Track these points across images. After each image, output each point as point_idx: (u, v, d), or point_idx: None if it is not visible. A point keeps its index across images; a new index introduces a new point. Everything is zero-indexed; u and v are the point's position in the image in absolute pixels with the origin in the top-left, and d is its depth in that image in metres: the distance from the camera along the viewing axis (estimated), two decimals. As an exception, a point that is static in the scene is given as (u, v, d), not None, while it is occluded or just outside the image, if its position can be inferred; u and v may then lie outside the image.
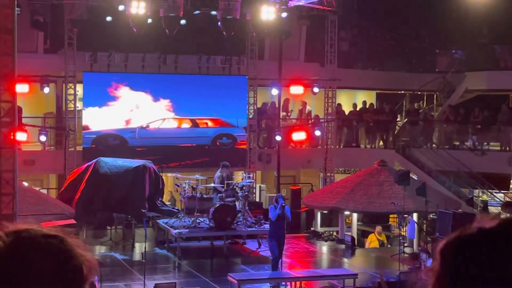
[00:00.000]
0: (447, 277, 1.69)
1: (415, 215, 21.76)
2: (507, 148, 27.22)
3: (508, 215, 22.37)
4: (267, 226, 17.54)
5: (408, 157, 27.82)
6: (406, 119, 29.51)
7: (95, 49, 25.06)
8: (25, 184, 22.20)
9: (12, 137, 14.01)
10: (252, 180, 24.72)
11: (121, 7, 22.55)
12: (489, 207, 24.46)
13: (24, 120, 23.48)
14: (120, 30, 23.59)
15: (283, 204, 16.98)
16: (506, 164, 26.33)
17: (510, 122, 27.28)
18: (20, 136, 21.06)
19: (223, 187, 21.19)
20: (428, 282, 1.73)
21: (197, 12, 23.29)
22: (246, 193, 21.42)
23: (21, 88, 22.95)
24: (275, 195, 17.68)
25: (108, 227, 22.46)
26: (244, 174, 23.86)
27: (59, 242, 1.78)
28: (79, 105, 25.17)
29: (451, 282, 1.68)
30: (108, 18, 23.39)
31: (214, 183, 21.37)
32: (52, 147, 25.81)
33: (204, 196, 21.16)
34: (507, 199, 26.41)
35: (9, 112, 13.95)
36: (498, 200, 26.72)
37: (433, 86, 29.64)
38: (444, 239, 1.76)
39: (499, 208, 24.63)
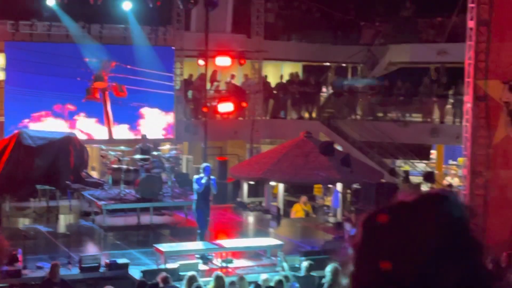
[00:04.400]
0: (366, 248, 1.73)
1: (339, 186, 22.13)
2: (429, 120, 27.89)
3: (428, 184, 23.01)
4: (193, 197, 17.55)
5: (333, 128, 28.21)
6: (331, 91, 29.87)
7: (17, 18, 24.42)
8: None
9: None
10: (178, 152, 24.69)
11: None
12: (410, 177, 25.05)
13: None
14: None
15: (209, 175, 17.02)
16: (427, 135, 26.99)
17: (431, 94, 27.93)
18: None
19: (149, 158, 21.10)
20: (350, 252, 1.76)
21: (122, -19, 22.94)
22: (173, 164, 21.37)
23: None
24: (202, 165, 17.68)
25: (32, 199, 22.09)
26: (171, 146, 23.78)
27: None
28: (1, 75, 24.58)
29: (369, 253, 1.72)
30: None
31: (135, 154, 21.32)
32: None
33: (130, 167, 21.03)
34: (428, 169, 27.13)
35: None
36: (419, 170, 27.41)
37: (358, 58, 30.03)
38: (367, 211, 1.79)
39: (421, 178, 25.27)
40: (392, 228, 1.71)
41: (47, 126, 24.33)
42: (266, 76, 29.19)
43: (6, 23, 24.33)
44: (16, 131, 22.33)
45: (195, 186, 17.06)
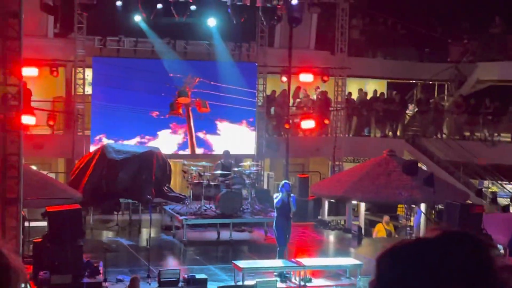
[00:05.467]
0: (378, 284, 1.66)
1: (422, 206, 21.64)
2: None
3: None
4: (273, 214, 17.47)
5: (417, 147, 27.66)
6: (417, 109, 29.34)
7: (104, 34, 25.02)
8: (33, 168, 22.22)
9: (18, 120, 13.97)
10: (259, 168, 24.67)
11: (131, -8, 22.47)
12: (498, 198, 24.29)
13: (33, 104, 23.47)
14: (130, 15, 23.62)
15: (289, 192, 16.89)
16: (516, 156, 26.14)
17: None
18: (28, 119, 21.07)
19: (229, 174, 21.14)
20: None
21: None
22: (253, 180, 21.34)
23: (31, 72, 23.02)
24: (281, 182, 17.58)
25: (115, 213, 22.44)
26: (252, 162, 23.78)
27: None
28: (89, 89, 25.17)
29: None
30: (118, 3, 23.34)
31: (216, 170, 21.40)
32: (61, 131, 25.80)
33: (211, 183, 21.11)
34: (517, 191, 26.25)
35: (16, 96, 13.90)
36: (507, 191, 26.55)
37: (445, 75, 29.42)
38: (383, 248, 1.72)
39: (509, 199, 24.48)
40: (409, 266, 1.63)
41: (133, 140, 24.75)
42: (350, 93, 28.91)
43: (94, 39, 24.94)
44: (101, 145, 22.76)
45: (274, 201, 17.00)
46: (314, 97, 28.34)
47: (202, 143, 25.87)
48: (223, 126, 26.10)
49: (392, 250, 1.67)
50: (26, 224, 17.31)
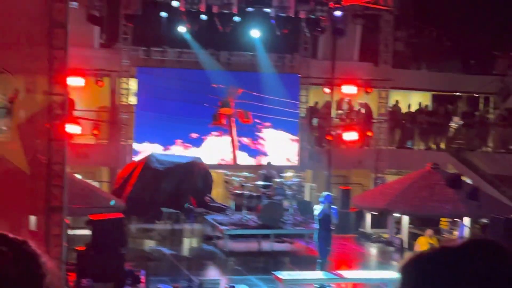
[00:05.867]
0: None
1: (466, 220, 21.35)
2: None
3: None
4: (315, 225, 17.40)
5: (462, 160, 27.31)
6: (461, 122, 29.00)
7: (149, 45, 25.27)
8: (78, 176, 22.48)
9: (63, 130, 14.15)
10: (301, 179, 24.60)
11: (175, 3, 22.66)
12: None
13: (78, 113, 23.78)
14: (174, 26, 23.85)
15: (330, 204, 16.80)
16: None
17: None
18: (72, 129, 21.35)
19: (271, 185, 21.13)
20: None
21: (250, 9, 23.25)
22: (295, 192, 21.29)
23: (77, 81, 23.35)
24: (323, 194, 17.50)
25: (157, 222, 22.57)
26: (294, 173, 23.75)
27: (23, 248, 1.74)
28: (133, 99, 25.43)
29: None
30: (163, 14, 23.56)
31: (258, 181, 21.41)
32: (105, 141, 26.09)
33: (253, 193, 21.13)
34: None
35: (61, 105, 14.09)
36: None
37: (490, 88, 29.06)
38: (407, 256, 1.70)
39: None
40: (433, 274, 1.61)
41: (176, 150, 24.91)
42: (396, 103, 28.67)
43: (138, 50, 25.21)
44: (145, 155, 22.93)
45: (315, 213, 16.92)
46: (357, 108, 28.21)
47: (246, 148, 25.94)
48: (266, 135, 26.15)
49: (417, 258, 1.65)
50: (70, 232, 17.50)
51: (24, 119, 14.29)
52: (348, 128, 26.48)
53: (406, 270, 1.66)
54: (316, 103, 27.87)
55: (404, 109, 29.16)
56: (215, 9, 22.53)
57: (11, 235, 1.77)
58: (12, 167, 13.74)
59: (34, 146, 14.20)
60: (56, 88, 13.86)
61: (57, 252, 13.66)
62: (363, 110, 27.71)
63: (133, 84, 25.41)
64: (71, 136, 21.45)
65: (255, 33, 24.90)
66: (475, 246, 1.64)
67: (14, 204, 13.68)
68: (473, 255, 1.60)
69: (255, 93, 25.66)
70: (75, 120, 22.25)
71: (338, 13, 23.88)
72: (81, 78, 23.97)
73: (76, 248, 16.71)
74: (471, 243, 1.64)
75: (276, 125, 26.07)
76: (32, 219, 14.27)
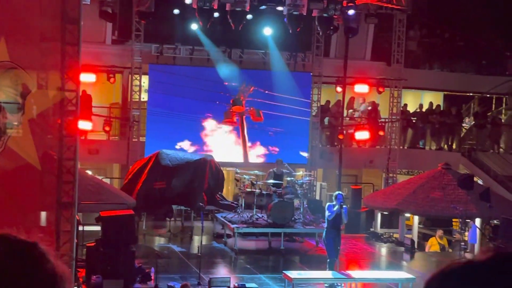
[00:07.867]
0: None
1: (477, 221, 21.26)
2: None
3: None
4: (324, 225, 17.34)
5: (473, 160, 27.21)
6: (473, 122, 28.88)
7: (161, 42, 25.27)
8: (89, 172, 22.51)
9: (75, 126, 14.15)
10: (312, 178, 24.55)
11: (188, 1, 22.65)
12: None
13: (90, 110, 23.80)
14: (187, 24, 23.84)
15: (342, 204, 16.70)
16: None
17: None
18: (84, 125, 21.38)
19: (282, 183, 21.10)
20: None
21: (263, 7, 23.21)
22: (306, 190, 21.24)
23: (88, 78, 23.38)
24: (334, 193, 17.42)
25: (167, 219, 22.59)
26: (305, 172, 23.69)
27: (34, 250, 1.73)
28: (144, 96, 25.44)
29: None
30: (175, 11, 23.55)
31: (268, 179, 21.38)
32: (116, 137, 26.11)
33: (263, 192, 21.10)
34: None
35: (73, 101, 14.08)
36: None
37: (503, 89, 28.92)
38: (432, 272, 1.67)
39: None
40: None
41: (187, 147, 24.92)
42: (405, 105, 28.61)
43: (151, 47, 25.21)
44: (155, 151, 22.94)
45: (327, 213, 16.83)
46: (366, 107, 28.10)
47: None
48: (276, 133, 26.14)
49: (442, 273, 1.61)
50: (80, 228, 17.53)
51: (36, 115, 14.28)
52: (359, 127, 26.40)
53: (431, 285, 1.62)
54: (328, 101, 27.81)
55: (411, 110, 29.03)
56: (227, 7, 22.49)
57: (22, 237, 1.75)
58: (24, 163, 13.75)
59: (45, 142, 14.20)
60: (68, 84, 13.85)
61: (67, 249, 13.66)
62: (369, 108, 27.60)
63: (145, 81, 25.42)
64: (83, 132, 21.51)
65: (267, 31, 24.85)
66: (501, 260, 1.58)
67: (25, 199, 13.70)
68: (502, 271, 1.55)
69: (267, 92, 25.62)
70: (89, 117, 22.28)
71: (351, 12, 23.79)
72: (93, 74, 23.99)
73: (86, 244, 16.75)
74: (498, 257, 1.59)
75: (287, 124, 25.98)
76: (43, 215, 14.27)
